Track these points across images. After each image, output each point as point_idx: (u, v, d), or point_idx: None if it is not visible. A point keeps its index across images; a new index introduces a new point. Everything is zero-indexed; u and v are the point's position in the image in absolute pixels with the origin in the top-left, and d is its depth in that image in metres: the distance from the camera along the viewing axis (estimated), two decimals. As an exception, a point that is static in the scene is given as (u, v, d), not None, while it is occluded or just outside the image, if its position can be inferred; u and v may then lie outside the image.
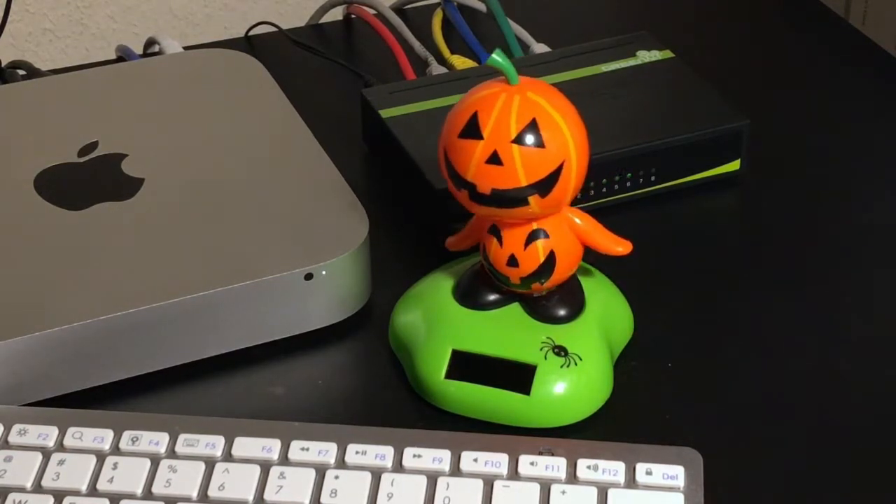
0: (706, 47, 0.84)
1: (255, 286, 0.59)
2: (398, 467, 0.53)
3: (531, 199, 0.55)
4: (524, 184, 0.55)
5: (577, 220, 0.58)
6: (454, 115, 0.56)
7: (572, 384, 0.57)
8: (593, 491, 0.52)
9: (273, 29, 0.86)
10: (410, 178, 0.68)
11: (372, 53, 0.83)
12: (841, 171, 0.74)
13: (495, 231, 0.58)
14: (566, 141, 0.55)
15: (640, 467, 0.53)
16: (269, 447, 0.54)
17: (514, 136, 0.54)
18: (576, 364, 0.58)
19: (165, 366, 0.60)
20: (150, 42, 0.82)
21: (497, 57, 0.54)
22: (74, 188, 0.65)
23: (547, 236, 0.57)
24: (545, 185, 0.55)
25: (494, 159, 0.54)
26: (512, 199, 0.55)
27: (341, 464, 0.53)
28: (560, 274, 0.58)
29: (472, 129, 0.55)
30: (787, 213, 0.71)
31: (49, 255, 0.61)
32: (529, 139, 0.54)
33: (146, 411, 0.58)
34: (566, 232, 0.58)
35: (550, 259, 0.58)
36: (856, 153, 0.75)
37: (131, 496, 0.52)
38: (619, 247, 0.59)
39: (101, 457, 0.54)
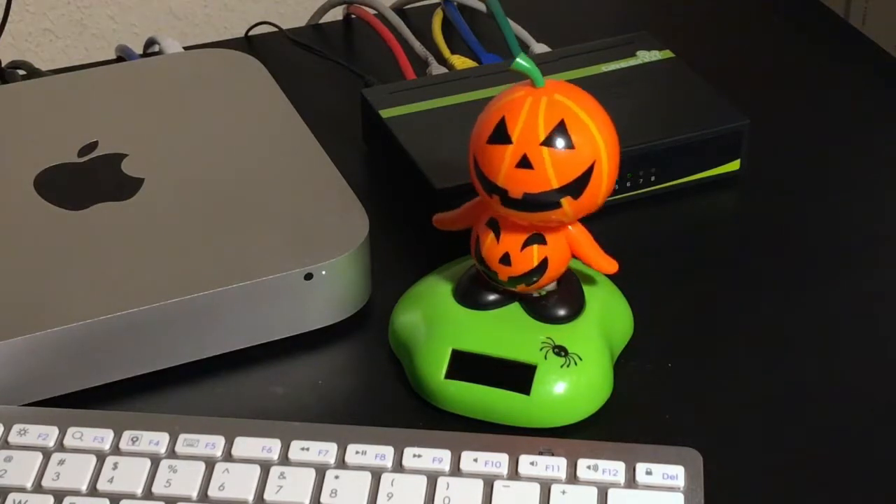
0: (706, 47, 0.84)
1: (254, 286, 0.59)
2: (398, 467, 0.53)
3: (563, 201, 0.55)
4: (555, 186, 0.55)
5: (571, 228, 0.58)
6: (482, 121, 0.56)
7: (572, 384, 0.57)
8: (593, 491, 0.52)
9: (273, 29, 0.86)
10: (410, 177, 0.68)
11: (372, 53, 0.83)
12: (841, 171, 0.74)
13: (494, 226, 0.58)
14: (596, 141, 0.55)
15: (640, 467, 0.53)
16: (269, 447, 0.54)
17: (542, 138, 0.54)
18: (576, 364, 0.58)
19: (165, 366, 0.60)
20: (150, 42, 0.82)
21: (522, 61, 0.54)
22: (74, 188, 0.65)
23: (544, 242, 0.57)
24: (577, 187, 0.55)
25: (524, 163, 0.54)
26: (544, 202, 0.55)
27: (341, 464, 0.53)
28: (546, 280, 0.58)
29: (501, 134, 0.54)
30: (787, 214, 0.71)
31: (49, 255, 0.61)
32: (559, 141, 0.54)
33: (146, 411, 0.58)
34: (562, 240, 0.58)
35: (543, 264, 0.58)
36: (856, 153, 0.76)
37: (131, 496, 0.52)
38: (607, 264, 0.59)
39: (101, 457, 0.54)
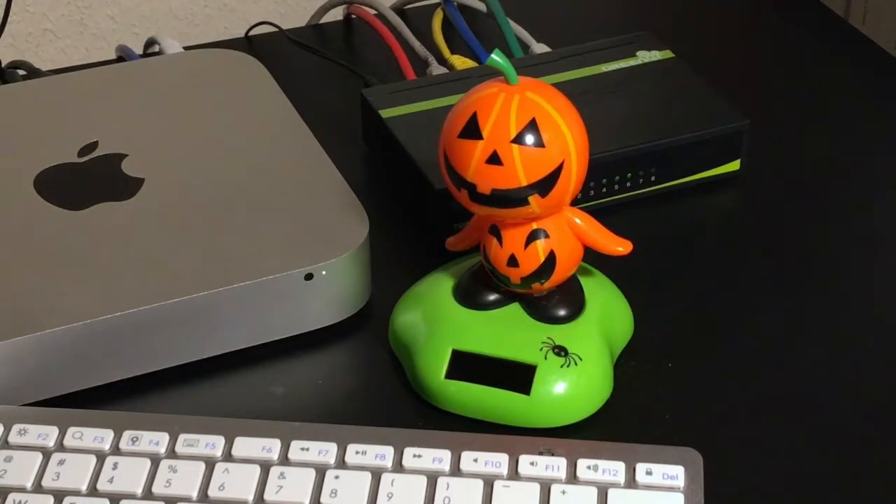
0: (706, 47, 0.84)
1: (255, 286, 0.59)
2: (398, 467, 0.53)
3: (531, 198, 0.55)
4: (524, 184, 0.55)
5: (577, 220, 0.58)
6: (454, 115, 0.56)
7: (572, 384, 0.57)
8: (593, 491, 0.52)
9: (273, 29, 0.86)
10: (410, 178, 0.68)
11: (372, 53, 0.83)
12: (840, 171, 0.74)
13: (495, 231, 0.58)
14: (566, 140, 0.55)
15: (640, 467, 0.53)
16: (269, 447, 0.54)
17: (513, 135, 0.54)
18: (576, 364, 0.58)
19: (165, 366, 0.60)
20: (150, 42, 0.82)
21: (496, 57, 0.54)
22: (74, 188, 0.65)
23: (547, 236, 0.57)
24: (545, 185, 0.55)
25: (494, 159, 0.54)
26: (512, 199, 0.55)
27: (341, 464, 0.53)
28: (560, 274, 0.58)
29: (472, 129, 0.55)
30: (787, 214, 0.71)
31: (49, 255, 0.61)
32: (529, 139, 0.54)
33: (146, 411, 0.58)
34: (566, 232, 0.58)
35: (551, 259, 0.58)
36: (855, 153, 0.76)
37: (131, 496, 0.52)
38: (620, 246, 0.59)
39: (101, 457, 0.54)
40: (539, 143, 0.54)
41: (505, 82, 0.55)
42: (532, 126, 0.54)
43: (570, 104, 0.56)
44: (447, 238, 0.62)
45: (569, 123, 0.55)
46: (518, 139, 0.54)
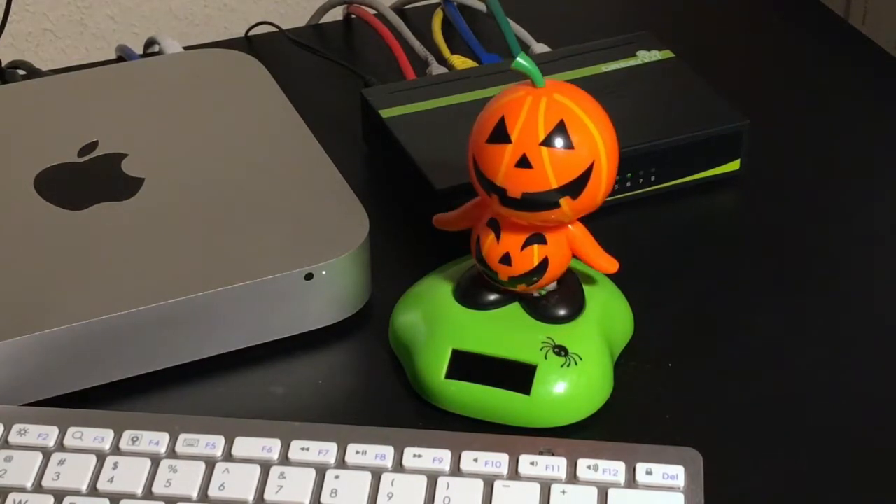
0: (706, 47, 0.84)
1: (255, 286, 0.59)
2: (398, 467, 0.53)
3: (562, 201, 0.55)
4: (554, 186, 0.55)
5: (571, 228, 0.58)
6: (481, 120, 0.56)
7: (572, 384, 0.57)
8: (593, 491, 0.52)
9: (273, 29, 0.86)
10: (410, 177, 0.68)
11: (372, 53, 0.83)
12: (840, 171, 0.74)
13: (494, 225, 0.58)
14: (595, 141, 0.55)
15: (640, 467, 0.53)
16: (269, 447, 0.54)
17: (542, 138, 0.54)
18: (576, 364, 0.58)
19: (165, 366, 0.60)
20: (150, 42, 0.82)
21: (522, 60, 0.54)
22: (74, 188, 0.65)
23: (545, 242, 0.57)
24: (576, 187, 0.55)
25: (524, 163, 0.54)
26: (543, 202, 0.55)
27: (341, 464, 0.53)
28: (547, 279, 0.58)
29: (500, 134, 0.55)
30: (787, 214, 0.71)
31: (49, 255, 0.61)
32: (558, 141, 0.54)
33: (146, 411, 0.58)
34: (562, 240, 0.58)
35: (543, 264, 0.58)
36: (855, 153, 0.76)
37: (131, 496, 0.52)
38: (607, 263, 0.59)
39: (101, 457, 0.54)
40: (568, 145, 0.54)
41: (531, 85, 0.55)
42: (560, 128, 0.54)
43: (597, 105, 0.56)
44: (437, 214, 0.62)
45: (597, 124, 0.55)
46: (547, 142, 0.54)
